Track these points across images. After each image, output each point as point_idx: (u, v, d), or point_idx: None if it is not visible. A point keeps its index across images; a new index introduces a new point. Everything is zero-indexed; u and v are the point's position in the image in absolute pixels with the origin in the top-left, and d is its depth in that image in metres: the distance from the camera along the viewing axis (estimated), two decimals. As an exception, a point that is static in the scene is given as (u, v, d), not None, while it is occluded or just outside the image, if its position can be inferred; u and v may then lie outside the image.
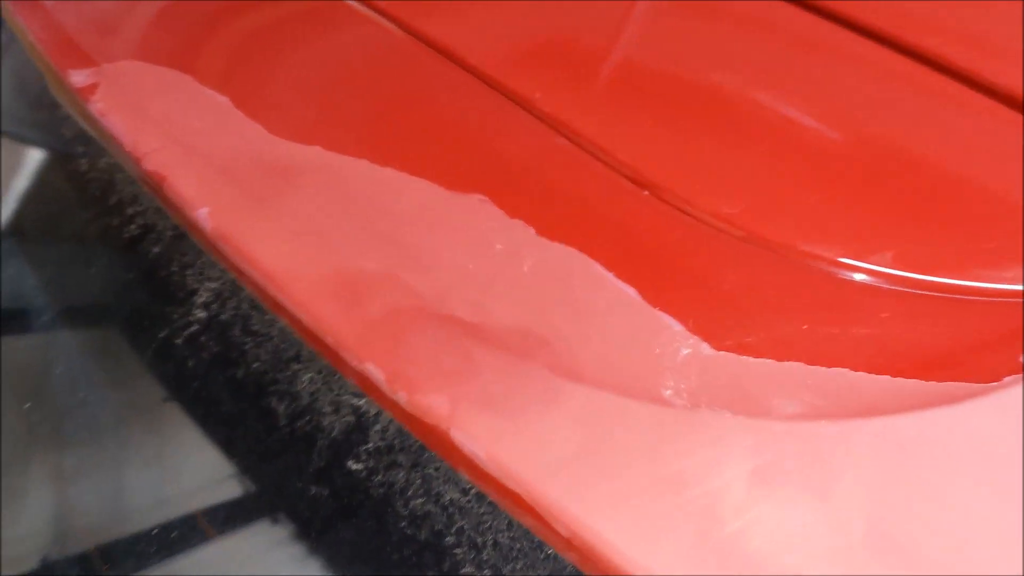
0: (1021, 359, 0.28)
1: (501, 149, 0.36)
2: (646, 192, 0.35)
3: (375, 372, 0.27)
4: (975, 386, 0.27)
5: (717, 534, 0.24)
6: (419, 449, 0.32)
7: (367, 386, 0.27)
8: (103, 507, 0.39)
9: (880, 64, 0.37)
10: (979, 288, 0.30)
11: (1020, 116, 0.35)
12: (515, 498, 0.25)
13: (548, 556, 0.29)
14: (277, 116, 0.38)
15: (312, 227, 0.32)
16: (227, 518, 0.38)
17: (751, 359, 0.28)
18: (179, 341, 0.38)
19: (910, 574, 0.23)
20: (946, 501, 0.25)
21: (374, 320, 0.28)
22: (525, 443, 0.26)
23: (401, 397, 0.26)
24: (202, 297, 0.39)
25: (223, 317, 0.38)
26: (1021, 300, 0.30)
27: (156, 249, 0.42)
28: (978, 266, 0.31)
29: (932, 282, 0.31)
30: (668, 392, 0.27)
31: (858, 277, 0.31)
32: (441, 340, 0.28)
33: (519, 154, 0.36)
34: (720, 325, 0.29)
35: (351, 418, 0.33)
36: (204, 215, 0.33)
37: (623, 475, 0.25)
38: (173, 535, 0.37)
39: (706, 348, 0.29)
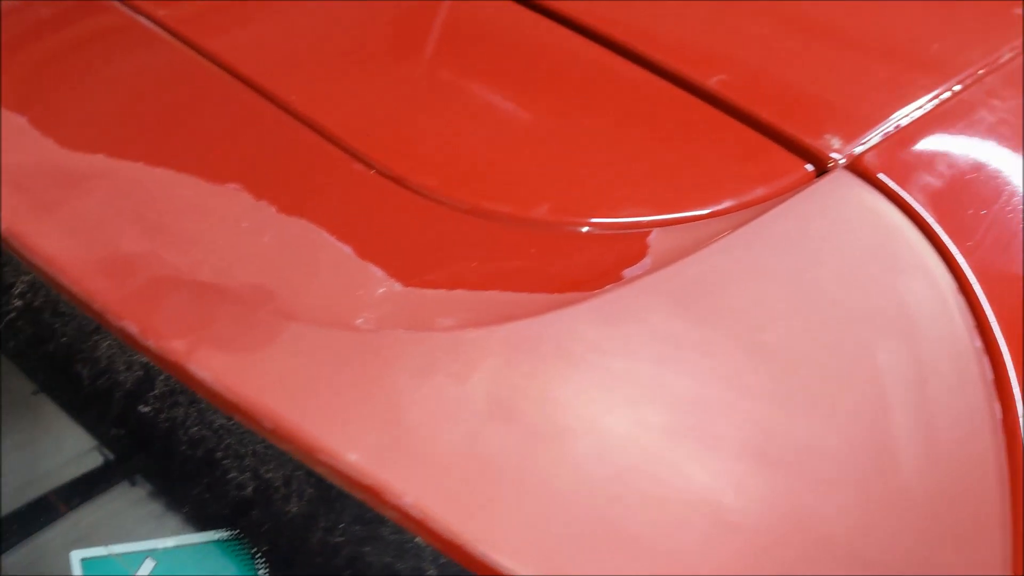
0: (623, 273, 0.39)
1: (255, 144, 0.45)
2: (373, 171, 0.44)
3: (130, 326, 0.35)
4: (583, 294, 0.37)
5: (392, 412, 0.33)
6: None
7: (128, 339, 0.36)
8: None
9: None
10: (607, 224, 0.41)
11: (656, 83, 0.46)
12: (239, 407, 0.34)
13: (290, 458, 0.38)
14: (65, 130, 0.46)
15: (91, 223, 0.40)
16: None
17: (428, 291, 0.38)
18: (0, 327, 0.45)
19: (521, 431, 0.33)
20: (556, 378, 0.35)
21: (135, 288, 0.37)
22: (249, 369, 0.35)
23: (151, 344, 0.35)
24: (18, 289, 0.46)
25: (36, 303, 0.45)
26: (627, 232, 0.40)
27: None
28: (608, 210, 0.41)
29: (574, 221, 0.41)
30: (360, 321, 0.36)
31: (518, 224, 0.41)
32: (187, 300, 0.37)
33: (269, 147, 0.45)
34: (410, 268, 0.39)
35: (141, 372, 0.41)
36: (-3, 221, 0.40)
37: (322, 381, 0.34)
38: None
39: (397, 286, 0.38)
